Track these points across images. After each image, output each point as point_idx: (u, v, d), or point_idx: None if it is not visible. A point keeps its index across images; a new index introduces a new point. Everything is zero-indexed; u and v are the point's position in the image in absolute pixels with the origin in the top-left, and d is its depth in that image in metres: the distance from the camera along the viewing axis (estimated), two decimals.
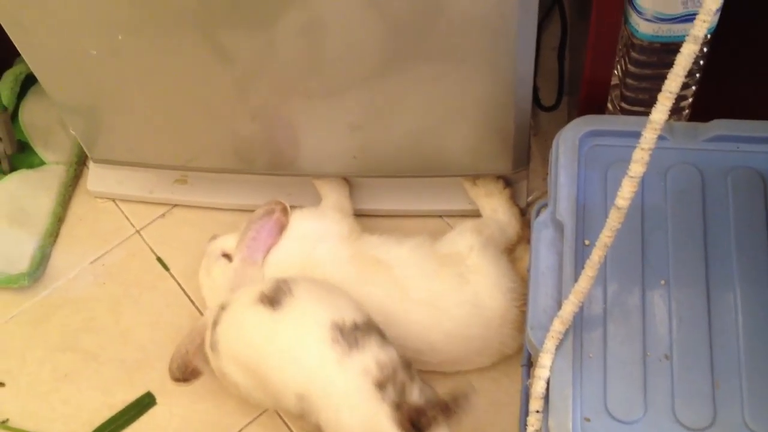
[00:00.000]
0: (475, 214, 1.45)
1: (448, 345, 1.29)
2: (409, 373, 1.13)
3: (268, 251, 1.35)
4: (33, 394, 1.41)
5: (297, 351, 1.15)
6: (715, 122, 1.17)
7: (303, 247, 1.36)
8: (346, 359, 1.11)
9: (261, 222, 1.35)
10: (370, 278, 1.30)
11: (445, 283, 1.29)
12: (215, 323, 1.23)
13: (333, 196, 1.48)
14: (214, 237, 1.43)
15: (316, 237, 1.37)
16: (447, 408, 1.05)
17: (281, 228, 1.36)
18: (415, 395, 1.10)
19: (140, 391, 1.40)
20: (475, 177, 1.43)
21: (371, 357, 1.12)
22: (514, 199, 1.44)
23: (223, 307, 1.23)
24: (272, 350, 1.17)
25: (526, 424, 1.04)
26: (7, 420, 1.39)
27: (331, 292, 1.21)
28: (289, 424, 1.34)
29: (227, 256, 1.36)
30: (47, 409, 1.39)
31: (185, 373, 1.35)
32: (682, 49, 0.83)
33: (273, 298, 1.18)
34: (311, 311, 1.16)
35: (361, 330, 1.14)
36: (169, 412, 1.37)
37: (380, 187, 1.50)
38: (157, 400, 1.39)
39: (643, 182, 1.15)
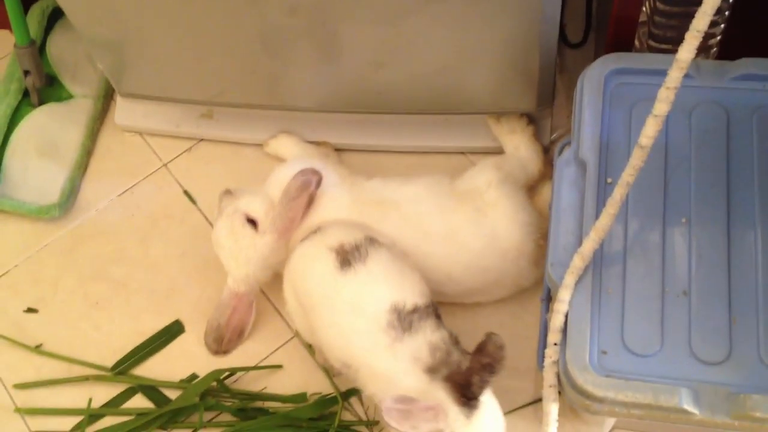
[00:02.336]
0: (499, 151, 1.46)
1: (466, 276, 1.31)
2: (459, 347, 1.13)
3: (311, 199, 1.33)
4: (65, 321, 1.46)
5: (349, 324, 1.15)
6: (743, 60, 1.16)
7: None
8: (398, 344, 1.12)
9: (299, 200, 1.31)
10: (377, 219, 1.31)
11: (463, 217, 1.31)
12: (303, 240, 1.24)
13: (296, 148, 1.50)
14: (227, 192, 1.39)
15: (324, 193, 1.34)
16: (490, 366, 1.04)
17: (312, 200, 1.33)
18: (463, 366, 1.10)
19: (169, 319, 1.44)
20: (499, 114, 1.44)
21: (423, 342, 1.12)
22: (537, 136, 1.44)
23: (317, 231, 1.23)
24: (325, 309, 1.18)
25: (543, 356, 1.07)
26: (41, 345, 1.44)
27: (403, 271, 1.19)
28: (311, 354, 1.38)
29: (252, 222, 1.34)
30: (79, 336, 1.44)
31: (222, 344, 1.38)
32: None
33: (346, 257, 1.17)
34: (375, 290, 1.16)
35: (419, 313, 1.14)
36: (197, 339, 1.41)
37: (404, 124, 1.51)
38: (186, 328, 1.43)
39: (668, 121, 1.15)
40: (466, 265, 1.30)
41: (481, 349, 1.05)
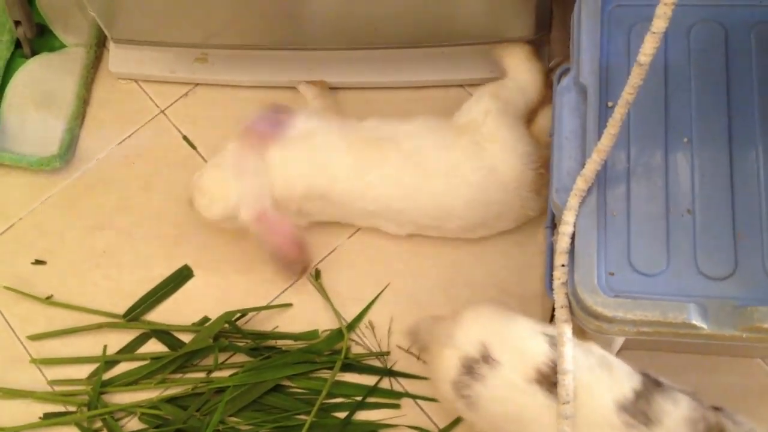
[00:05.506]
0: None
1: (468, 211, 1.32)
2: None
3: (266, 140, 1.34)
4: (74, 271, 1.47)
5: None
6: None
7: (305, 146, 1.35)
8: None
9: (260, 116, 1.34)
10: (376, 161, 1.32)
11: (462, 151, 1.31)
12: (479, 364, 1.08)
13: (318, 101, 1.49)
14: None
15: (317, 136, 1.36)
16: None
17: (279, 121, 1.34)
18: None
19: (177, 265, 1.45)
20: (496, 42, 1.42)
21: (679, 419, 1.01)
22: (538, 55, 1.41)
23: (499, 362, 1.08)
24: None
25: (551, 280, 1.08)
26: (52, 296, 1.45)
27: (611, 365, 1.06)
28: (319, 292, 1.40)
29: None
30: (89, 284, 1.45)
31: (297, 264, 1.36)
32: None
33: (551, 381, 1.04)
34: (594, 398, 1.04)
35: (644, 396, 1.03)
36: (207, 283, 1.43)
37: (400, 59, 1.50)
38: (194, 273, 1.45)
39: (666, 41, 1.15)
40: (468, 199, 1.31)
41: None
